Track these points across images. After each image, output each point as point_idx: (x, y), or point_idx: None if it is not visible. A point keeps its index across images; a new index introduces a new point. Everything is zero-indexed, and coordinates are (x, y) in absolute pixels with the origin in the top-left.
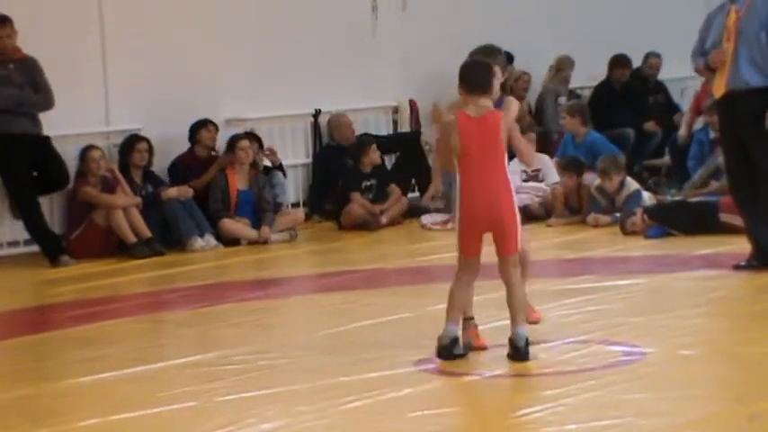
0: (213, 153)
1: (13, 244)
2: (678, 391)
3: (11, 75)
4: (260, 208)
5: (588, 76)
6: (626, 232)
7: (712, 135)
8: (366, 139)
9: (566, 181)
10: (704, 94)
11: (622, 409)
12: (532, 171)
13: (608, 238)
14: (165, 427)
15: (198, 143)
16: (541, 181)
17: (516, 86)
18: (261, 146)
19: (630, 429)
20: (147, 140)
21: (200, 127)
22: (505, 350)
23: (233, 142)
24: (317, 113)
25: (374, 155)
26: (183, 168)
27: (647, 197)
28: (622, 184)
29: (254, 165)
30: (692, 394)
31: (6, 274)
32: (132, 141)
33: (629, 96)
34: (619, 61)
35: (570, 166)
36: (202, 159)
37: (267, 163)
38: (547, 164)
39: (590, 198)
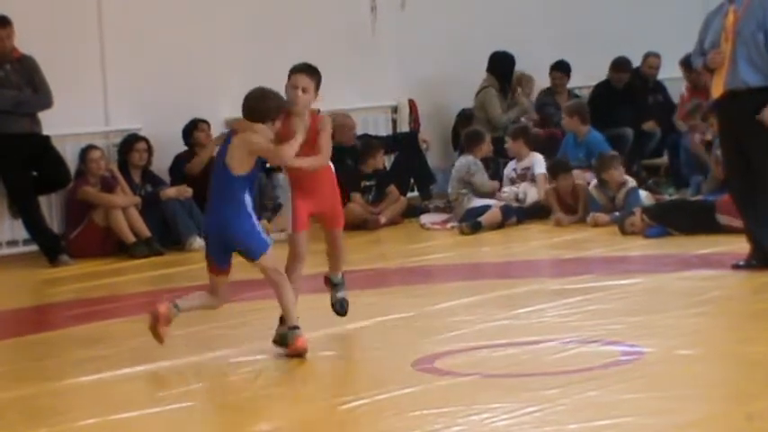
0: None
1: (13, 243)
2: (677, 391)
3: (8, 75)
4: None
5: (587, 76)
6: (625, 232)
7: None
8: (374, 143)
9: (559, 184)
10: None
11: (621, 409)
12: (522, 170)
13: (607, 237)
14: (165, 427)
15: (195, 144)
16: (532, 179)
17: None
18: None
19: (629, 429)
20: (147, 140)
21: (193, 129)
22: (502, 351)
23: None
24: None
25: (379, 159)
26: (184, 167)
27: (645, 197)
28: (622, 181)
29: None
30: (690, 394)
31: (6, 273)
32: (131, 141)
33: (628, 96)
34: (618, 65)
35: (560, 169)
36: None
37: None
38: (536, 162)
39: (588, 197)
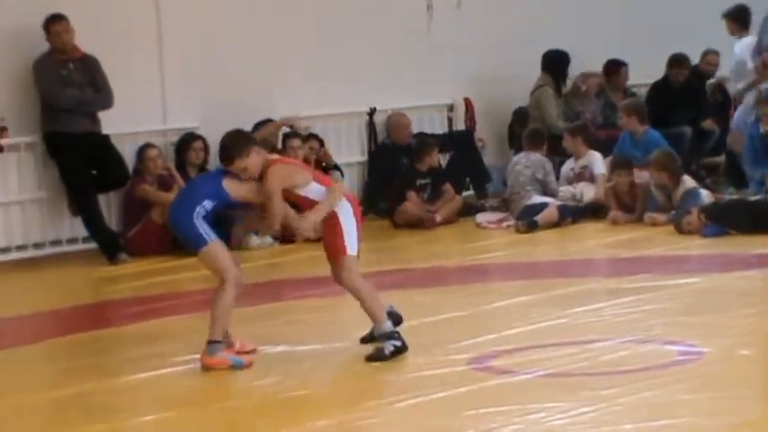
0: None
1: (72, 241)
2: (735, 391)
3: (71, 74)
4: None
5: (645, 74)
6: (682, 231)
7: (763, 129)
8: (429, 141)
9: (618, 180)
10: None
11: (679, 409)
12: (579, 168)
13: (664, 237)
14: (222, 424)
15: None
16: (589, 178)
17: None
18: (322, 145)
19: (687, 429)
20: (203, 139)
21: (262, 126)
22: (558, 350)
23: (284, 139)
24: (373, 112)
25: (434, 157)
26: None
27: (706, 195)
28: (679, 180)
29: (317, 164)
30: (748, 394)
31: (65, 270)
32: (188, 140)
33: (686, 94)
34: (677, 61)
35: (620, 165)
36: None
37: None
38: (595, 161)
39: (646, 196)
